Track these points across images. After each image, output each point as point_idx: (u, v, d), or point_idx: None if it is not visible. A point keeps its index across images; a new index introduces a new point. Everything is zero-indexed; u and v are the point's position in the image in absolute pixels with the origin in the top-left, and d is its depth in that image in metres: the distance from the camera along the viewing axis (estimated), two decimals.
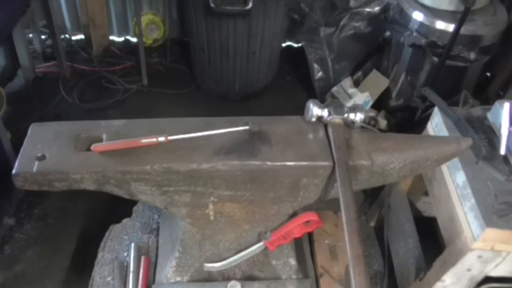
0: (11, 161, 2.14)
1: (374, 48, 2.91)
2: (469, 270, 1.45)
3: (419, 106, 2.48)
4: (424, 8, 2.42)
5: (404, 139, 1.38)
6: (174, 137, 1.26)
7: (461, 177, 1.48)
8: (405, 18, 2.50)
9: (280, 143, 1.30)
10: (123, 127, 1.32)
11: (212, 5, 2.48)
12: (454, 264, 1.43)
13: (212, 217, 1.42)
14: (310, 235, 1.82)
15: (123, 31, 3.43)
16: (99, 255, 1.76)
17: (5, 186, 1.93)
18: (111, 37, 3.38)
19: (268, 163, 1.25)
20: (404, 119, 2.74)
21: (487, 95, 2.69)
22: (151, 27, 3.30)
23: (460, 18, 2.12)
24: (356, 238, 1.11)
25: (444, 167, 1.59)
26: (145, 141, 1.24)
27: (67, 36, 3.33)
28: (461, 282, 1.50)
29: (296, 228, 1.48)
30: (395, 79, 2.75)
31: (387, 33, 2.73)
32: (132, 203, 1.89)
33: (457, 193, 1.49)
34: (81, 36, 3.37)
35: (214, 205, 1.38)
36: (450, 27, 2.29)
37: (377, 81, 2.84)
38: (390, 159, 1.31)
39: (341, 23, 2.91)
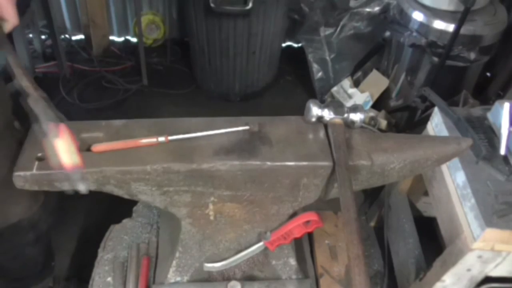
0: None
1: (374, 48, 2.91)
2: (469, 270, 1.45)
3: (419, 106, 2.48)
4: (424, 8, 2.42)
5: (404, 139, 1.37)
6: (174, 137, 1.26)
7: (461, 177, 1.47)
8: (405, 18, 2.49)
9: (280, 143, 1.30)
10: (123, 127, 1.32)
11: (212, 5, 2.48)
12: (454, 264, 1.43)
13: (212, 217, 1.42)
14: (310, 235, 1.82)
15: (123, 31, 3.43)
16: (99, 255, 1.76)
17: None
18: (111, 37, 3.37)
19: (268, 163, 1.25)
20: (404, 119, 2.74)
21: (487, 95, 2.69)
22: (151, 27, 3.30)
23: (460, 18, 2.12)
24: (356, 238, 1.11)
25: (444, 167, 1.59)
26: (145, 141, 1.24)
27: (67, 36, 3.33)
28: (461, 282, 1.50)
29: (296, 228, 1.48)
30: (395, 79, 2.75)
31: (387, 33, 2.72)
32: (132, 203, 1.89)
33: (457, 193, 1.49)
34: (81, 36, 3.37)
35: (214, 205, 1.38)
36: (450, 27, 2.29)
37: (377, 81, 2.84)
38: (390, 159, 1.31)
39: (341, 23, 2.91)
